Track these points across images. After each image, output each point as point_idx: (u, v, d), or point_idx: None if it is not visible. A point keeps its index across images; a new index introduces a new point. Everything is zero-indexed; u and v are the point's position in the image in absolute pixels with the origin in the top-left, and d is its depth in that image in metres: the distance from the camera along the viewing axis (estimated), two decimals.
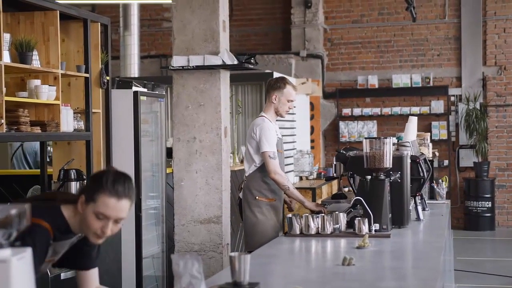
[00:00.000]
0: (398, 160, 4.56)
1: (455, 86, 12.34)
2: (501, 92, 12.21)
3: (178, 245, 5.38)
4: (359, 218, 4.27)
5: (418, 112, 12.04)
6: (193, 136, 5.35)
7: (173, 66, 5.33)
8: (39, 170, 5.94)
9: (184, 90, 5.36)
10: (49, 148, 6.37)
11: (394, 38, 12.57)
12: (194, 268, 2.40)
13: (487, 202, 11.79)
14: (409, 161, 4.74)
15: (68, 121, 5.46)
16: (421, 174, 5.07)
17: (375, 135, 12.18)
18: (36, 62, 5.13)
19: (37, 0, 5.16)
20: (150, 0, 11.87)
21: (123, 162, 6.06)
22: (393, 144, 4.83)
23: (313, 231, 4.28)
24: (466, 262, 8.99)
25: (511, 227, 12.13)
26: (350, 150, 5.03)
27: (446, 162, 12.18)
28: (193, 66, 5.27)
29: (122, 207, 2.69)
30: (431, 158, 6.48)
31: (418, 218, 4.99)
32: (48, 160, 6.05)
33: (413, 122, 5.91)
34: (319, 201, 7.68)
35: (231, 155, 7.90)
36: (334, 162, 5.08)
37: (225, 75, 5.44)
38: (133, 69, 11.06)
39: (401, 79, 12.37)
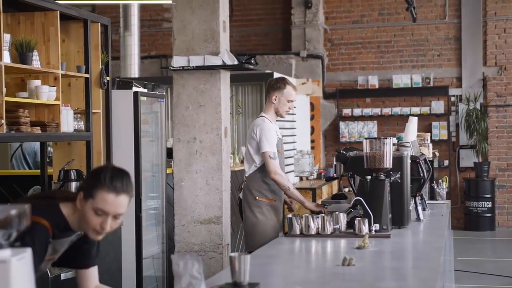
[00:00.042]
0: (398, 161, 4.56)
1: (455, 86, 12.34)
2: (501, 93, 12.21)
3: (178, 246, 5.38)
4: (359, 218, 4.27)
5: (418, 113, 12.04)
6: (193, 136, 5.35)
7: (173, 67, 5.32)
8: (39, 170, 5.93)
9: (184, 90, 5.36)
10: (49, 148, 6.36)
11: (394, 39, 12.58)
12: (194, 269, 2.41)
13: (487, 202, 11.79)
14: (409, 161, 4.74)
15: (68, 122, 5.46)
16: (421, 174, 5.07)
17: (375, 135, 12.18)
18: (36, 63, 5.13)
19: (37, 0, 5.16)
20: (150, 1, 11.87)
21: (123, 163, 6.05)
22: (393, 144, 4.83)
23: (313, 231, 4.28)
24: (466, 262, 8.99)
25: (511, 227, 12.13)
26: (350, 150, 5.03)
27: (446, 162, 12.18)
28: (193, 67, 5.27)
29: (121, 203, 2.69)
30: (431, 158, 6.48)
31: (418, 219, 4.99)
32: (48, 160, 6.05)
33: (413, 122, 5.91)
34: (319, 202, 7.68)
35: (231, 155, 7.91)
36: (334, 163, 5.08)
37: (225, 76, 5.44)
38: (133, 69, 11.07)
39: (401, 80, 12.37)
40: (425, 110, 12.18)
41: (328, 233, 4.27)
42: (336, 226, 4.30)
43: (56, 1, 5.56)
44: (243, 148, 8.08)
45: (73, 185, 5.52)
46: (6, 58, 4.85)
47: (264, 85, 7.04)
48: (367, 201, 4.33)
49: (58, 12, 5.38)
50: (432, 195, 6.32)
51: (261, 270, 3.33)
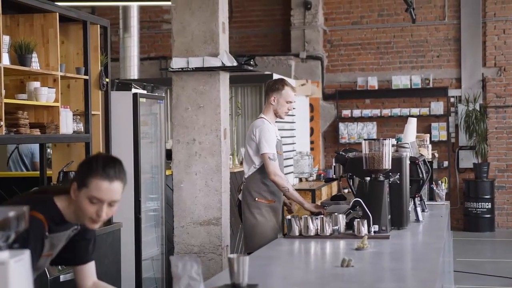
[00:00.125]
0: (397, 162, 4.56)
1: (454, 87, 12.35)
2: (500, 93, 12.21)
3: (177, 247, 5.38)
4: (358, 219, 4.27)
5: (418, 113, 12.05)
6: (193, 138, 5.35)
7: (172, 68, 5.33)
8: (38, 172, 5.94)
9: (184, 92, 5.36)
10: (48, 150, 6.37)
11: (393, 40, 12.58)
12: (193, 270, 2.41)
13: (487, 203, 11.79)
14: (408, 162, 4.74)
15: (67, 123, 5.47)
16: (421, 175, 5.07)
17: (374, 136, 12.19)
18: (35, 64, 5.14)
19: (37, 2, 5.16)
20: (149, 2, 11.87)
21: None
22: (393, 145, 4.83)
23: (312, 232, 4.28)
24: (465, 263, 8.99)
25: (511, 228, 12.13)
26: (349, 151, 5.03)
27: (445, 163, 12.18)
28: (192, 68, 5.27)
29: (115, 189, 2.70)
30: (430, 159, 6.48)
31: (417, 220, 4.99)
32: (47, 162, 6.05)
33: (412, 123, 5.91)
34: (318, 203, 7.67)
35: (231, 156, 7.90)
36: (334, 164, 5.08)
37: (225, 77, 5.44)
38: (133, 71, 11.07)
39: (400, 81, 12.38)
40: (424, 111, 12.18)
41: (327, 234, 4.27)
42: (335, 227, 4.30)
43: (56, 3, 5.56)
44: (242, 150, 8.08)
45: None
46: (5, 60, 4.85)
47: (264, 86, 7.04)
48: (366, 202, 4.33)
49: (57, 13, 5.38)
50: (432, 196, 6.32)
51: (260, 271, 3.34)
